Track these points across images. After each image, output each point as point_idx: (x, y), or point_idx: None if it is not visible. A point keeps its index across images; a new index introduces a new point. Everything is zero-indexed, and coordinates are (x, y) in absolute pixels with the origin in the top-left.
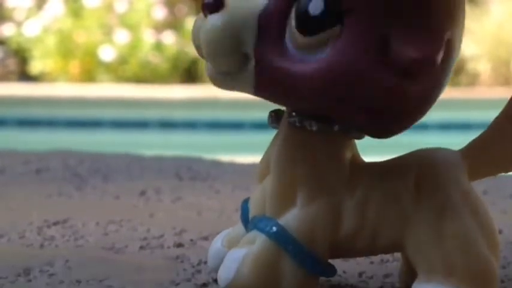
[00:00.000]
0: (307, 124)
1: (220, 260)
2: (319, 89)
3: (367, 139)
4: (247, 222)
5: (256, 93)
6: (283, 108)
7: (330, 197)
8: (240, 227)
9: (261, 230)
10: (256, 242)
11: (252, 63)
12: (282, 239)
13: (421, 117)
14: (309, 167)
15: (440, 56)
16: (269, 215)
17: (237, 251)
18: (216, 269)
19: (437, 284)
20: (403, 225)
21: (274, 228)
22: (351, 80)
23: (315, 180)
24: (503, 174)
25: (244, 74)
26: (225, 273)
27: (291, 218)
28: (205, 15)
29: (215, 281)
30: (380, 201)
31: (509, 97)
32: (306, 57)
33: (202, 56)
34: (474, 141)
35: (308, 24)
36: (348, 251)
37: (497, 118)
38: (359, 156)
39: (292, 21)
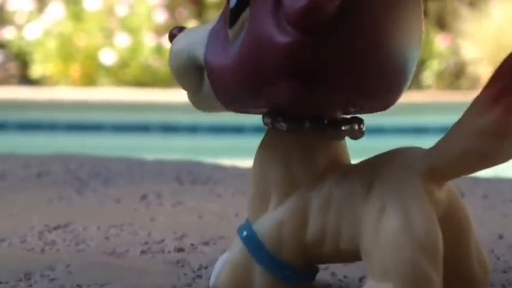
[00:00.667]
0: (277, 124)
1: None
2: (243, 73)
3: (365, 143)
4: None
5: (221, 104)
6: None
7: (299, 200)
8: None
9: (238, 234)
10: (233, 247)
11: (205, 73)
12: (250, 244)
13: (343, 81)
14: (280, 168)
15: (331, 4)
16: (249, 219)
17: (223, 256)
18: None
19: (374, 284)
20: (358, 228)
21: (245, 233)
22: (264, 50)
23: (285, 182)
24: (504, 177)
25: (205, 88)
26: (212, 277)
27: (262, 222)
28: (171, 42)
29: None
30: (340, 202)
31: None
32: (232, 49)
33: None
34: (440, 140)
35: (231, 17)
36: (318, 256)
37: (463, 116)
38: (346, 159)
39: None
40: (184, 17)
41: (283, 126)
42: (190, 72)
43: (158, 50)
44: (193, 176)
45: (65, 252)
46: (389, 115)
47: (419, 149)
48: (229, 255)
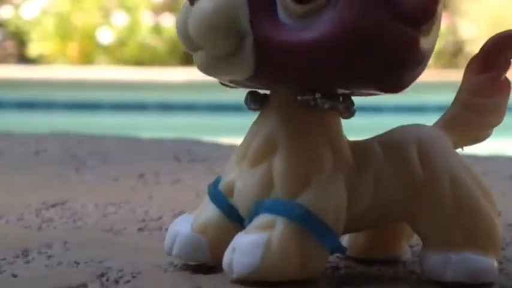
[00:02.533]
0: (319, 102)
1: (193, 248)
2: (327, 52)
3: (364, 121)
4: (227, 206)
5: (255, 73)
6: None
7: (344, 175)
8: (210, 210)
9: (282, 213)
10: (278, 226)
11: (250, 39)
12: (307, 220)
13: (423, 71)
14: (322, 146)
15: (438, 7)
16: (282, 196)
17: (252, 236)
18: (185, 257)
19: (456, 253)
20: (413, 198)
21: (298, 211)
22: (364, 34)
23: (330, 159)
24: (501, 155)
25: (242, 54)
26: (246, 259)
27: (312, 199)
28: (192, 2)
29: None
30: (390, 177)
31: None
32: (305, 25)
33: (190, 48)
34: (444, 116)
35: None
36: (357, 227)
37: (458, 94)
38: (345, 136)
39: None
40: None
41: (326, 104)
42: (229, 34)
43: (156, 29)
44: (191, 154)
45: (62, 229)
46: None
47: (428, 125)
48: (271, 235)
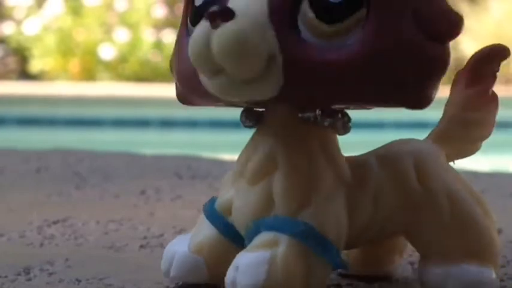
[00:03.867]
0: (319, 120)
1: (190, 267)
2: (361, 71)
3: (365, 137)
4: (223, 225)
5: (279, 94)
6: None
7: (344, 191)
8: (206, 230)
9: (284, 231)
10: (281, 244)
11: (279, 59)
12: (310, 237)
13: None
14: (324, 163)
15: (463, 24)
16: (284, 214)
17: (257, 254)
18: (183, 278)
19: (456, 265)
20: (411, 214)
21: (301, 228)
22: (394, 54)
23: (330, 176)
24: (502, 172)
25: (270, 75)
26: (248, 278)
27: (313, 216)
28: (216, 25)
29: None
30: (389, 192)
31: (509, 96)
32: (332, 44)
33: (210, 72)
34: (434, 131)
35: (331, 13)
36: (357, 242)
37: (446, 109)
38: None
39: (309, 13)
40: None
41: (326, 121)
42: (259, 57)
43: (157, 45)
44: (192, 170)
45: (64, 246)
46: (389, 109)
47: (420, 140)
48: (274, 253)
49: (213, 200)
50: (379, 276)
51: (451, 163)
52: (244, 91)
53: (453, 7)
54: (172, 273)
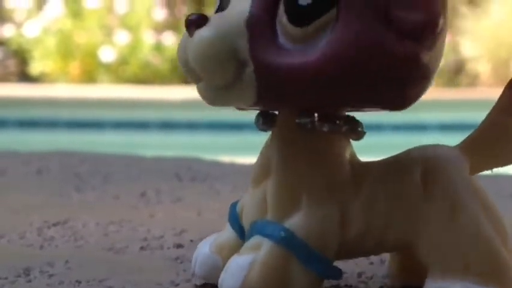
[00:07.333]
0: (317, 125)
1: (210, 267)
2: (330, 74)
3: (364, 140)
4: (238, 227)
5: (256, 101)
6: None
7: (337, 199)
8: (228, 231)
9: (268, 236)
10: (263, 248)
11: (250, 67)
12: (291, 244)
13: (430, 86)
14: (316, 169)
15: (441, 20)
16: (272, 219)
17: (241, 258)
18: (204, 277)
19: (454, 282)
20: (412, 222)
21: (283, 234)
22: (364, 55)
23: (322, 182)
24: (501, 173)
25: (242, 83)
26: (230, 281)
27: (299, 222)
28: (191, 32)
29: None
30: (388, 199)
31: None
32: (305, 48)
33: (192, 78)
34: (470, 136)
35: (301, 16)
36: (354, 252)
37: (490, 113)
38: (356, 156)
39: (283, 17)
40: (183, 14)
41: (324, 127)
42: (228, 64)
43: (157, 47)
44: (192, 172)
45: (64, 248)
46: (388, 112)
47: (448, 146)
48: (255, 257)
49: (235, 203)
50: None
51: (488, 171)
52: (225, 97)
53: (432, 5)
54: (196, 271)
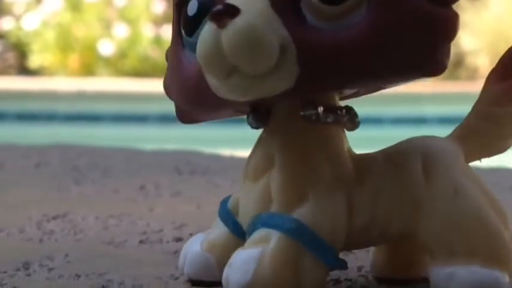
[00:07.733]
0: (322, 117)
1: (202, 266)
2: (375, 42)
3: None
4: (232, 223)
5: (293, 86)
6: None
7: (344, 190)
8: (219, 228)
9: (276, 226)
10: (272, 240)
11: (292, 50)
12: (301, 234)
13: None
14: (323, 160)
15: None
16: (278, 210)
17: (247, 252)
18: (194, 275)
19: (460, 266)
20: (415, 211)
21: (293, 225)
22: (400, 25)
23: (329, 173)
24: (501, 166)
25: (284, 66)
26: (237, 275)
27: (307, 213)
28: (224, 23)
29: None
30: (391, 189)
31: None
32: (341, 26)
33: (222, 73)
34: (458, 127)
35: None
36: (358, 243)
37: (476, 104)
38: (351, 149)
39: None
40: None
41: (329, 118)
42: (273, 49)
43: (157, 40)
44: (192, 166)
45: (63, 242)
46: (388, 105)
47: (441, 137)
48: (264, 250)
49: (226, 199)
50: (411, 280)
51: (477, 161)
52: (260, 87)
53: None
54: (185, 270)
